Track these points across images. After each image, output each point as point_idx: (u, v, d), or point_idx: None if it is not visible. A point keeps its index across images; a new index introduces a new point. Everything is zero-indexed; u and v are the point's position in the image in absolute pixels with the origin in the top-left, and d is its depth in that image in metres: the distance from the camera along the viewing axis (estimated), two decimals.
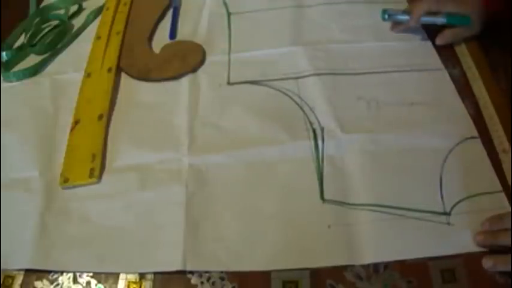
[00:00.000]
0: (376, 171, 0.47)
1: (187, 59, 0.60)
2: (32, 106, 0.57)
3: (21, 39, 0.67)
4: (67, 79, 0.60)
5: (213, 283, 0.41)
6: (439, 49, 0.58)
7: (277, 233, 0.43)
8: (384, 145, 0.48)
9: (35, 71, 0.62)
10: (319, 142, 0.49)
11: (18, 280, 0.43)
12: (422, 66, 0.56)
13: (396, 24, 0.61)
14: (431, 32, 0.59)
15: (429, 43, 0.58)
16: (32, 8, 0.71)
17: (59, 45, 0.65)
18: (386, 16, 0.59)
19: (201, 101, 0.55)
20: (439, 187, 0.45)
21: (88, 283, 0.43)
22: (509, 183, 0.44)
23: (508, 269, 0.38)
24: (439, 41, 0.58)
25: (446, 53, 0.57)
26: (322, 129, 0.50)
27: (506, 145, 0.47)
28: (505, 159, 0.46)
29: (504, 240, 0.39)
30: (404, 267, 0.41)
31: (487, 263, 0.39)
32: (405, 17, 0.58)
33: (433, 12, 0.57)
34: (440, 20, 0.57)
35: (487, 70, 0.54)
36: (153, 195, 0.47)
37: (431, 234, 0.42)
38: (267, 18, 0.65)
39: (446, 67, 0.56)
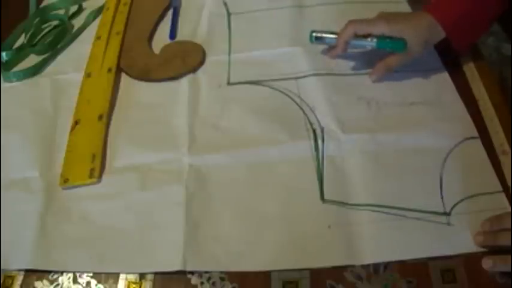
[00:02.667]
0: (376, 171, 0.47)
1: (187, 59, 0.60)
2: (32, 106, 0.57)
3: (21, 39, 0.67)
4: (67, 79, 0.60)
5: (213, 283, 0.41)
6: (439, 49, 0.57)
7: (277, 233, 0.44)
8: (384, 145, 0.48)
9: (35, 71, 0.62)
10: (319, 142, 0.49)
11: (18, 280, 0.43)
12: (423, 66, 0.56)
13: (330, 49, 0.56)
14: None
15: None
16: (32, 8, 0.71)
17: (59, 45, 0.65)
18: (313, 39, 0.55)
19: (201, 101, 0.55)
20: (439, 187, 0.45)
21: (88, 283, 0.43)
22: (509, 184, 0.44)
23: (508, 269, 0.38)
24: (371, 77, 0.54)
25: (447, 53, 0.57)
26: (322, 130, 0.50)
27: (507, 147, 0.47)
28: (504, 160, 0.46)
29: (504, 240, 0.39)
30: (404, 267, 0.41)
31: (487, 263, 0.39)
32: (332, 39, 0.55)
33: (364, 34, 0.52)
34: (369, 43, 0.52)
35: (487, 71, 0.54)
36: (153, 195, 0.47)
37: (431, 234, 0.42)
38: (266, 18, 0.65)
39: (446, 67, 0.55)
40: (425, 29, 0.49)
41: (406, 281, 0.40)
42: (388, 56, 0.52)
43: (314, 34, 0.55)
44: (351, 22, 0.52)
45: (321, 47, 0.58)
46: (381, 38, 0.51)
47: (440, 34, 0.50)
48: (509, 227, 0.39)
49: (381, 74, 0.54)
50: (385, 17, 0.52)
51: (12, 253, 0.44)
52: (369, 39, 0.52)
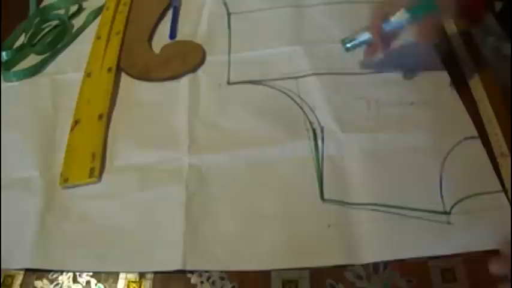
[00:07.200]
0: (376, 171, 0.47)
1: (187, 59, 0.60)
2: (32, 106, 0.57)
3: (21, 39, 0.67)
4: (67, 79, 0.60)
5: (213, 283, 0.41)
6: (439, 49, 0.57)
7: (277, 233, 0.43)
8: (383, 145, 0.48)
9: (35, 71, 0.62)
10: (319, 142, 0.49)
11: (18, 280, 0.43)
12: (422, 66, 0.56)
13: (368, 50, 0.52)
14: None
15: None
16: (32, 8, 0.71)
17: (59, 45, 0.65)
18: (348, 45, 0.51)
19: (201, 101, 0.55)
20: (439, 186, 0.45)
21: (88, 283, 0.43)
22: (508, 186, 0.44)
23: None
24: (420, 38, 0.48)
25: (446, 53, 0.57)
26: (322, 129, 0.50)
27: (505, 149, 0.46)
28: (503, 163, 0.46)
29: None
30: (404, 266, 0.41)
31: (493, 266, 0.38)
32: (366, 36, 0.50)
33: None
34: (404, 18, 0.47)
35: (487, 71, 0.54)
36: (153, 195, 0.47)
37: (431, 233, 0.42)
38: (266, 18, 0.65)
39: (446, 67, 0.55)
40: None
41: (406, 280, 0.40)
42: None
43: (346, 41, 0.51)
44: (375, 10, 0.48)
45: (322, 45, 0.58)
46: (411, 7, 0.47)
47: None
48: None
49: (434, 34, 0.48)
50: None
51: (12, 252, 0.44)
52: (398, 14, 0.47)
